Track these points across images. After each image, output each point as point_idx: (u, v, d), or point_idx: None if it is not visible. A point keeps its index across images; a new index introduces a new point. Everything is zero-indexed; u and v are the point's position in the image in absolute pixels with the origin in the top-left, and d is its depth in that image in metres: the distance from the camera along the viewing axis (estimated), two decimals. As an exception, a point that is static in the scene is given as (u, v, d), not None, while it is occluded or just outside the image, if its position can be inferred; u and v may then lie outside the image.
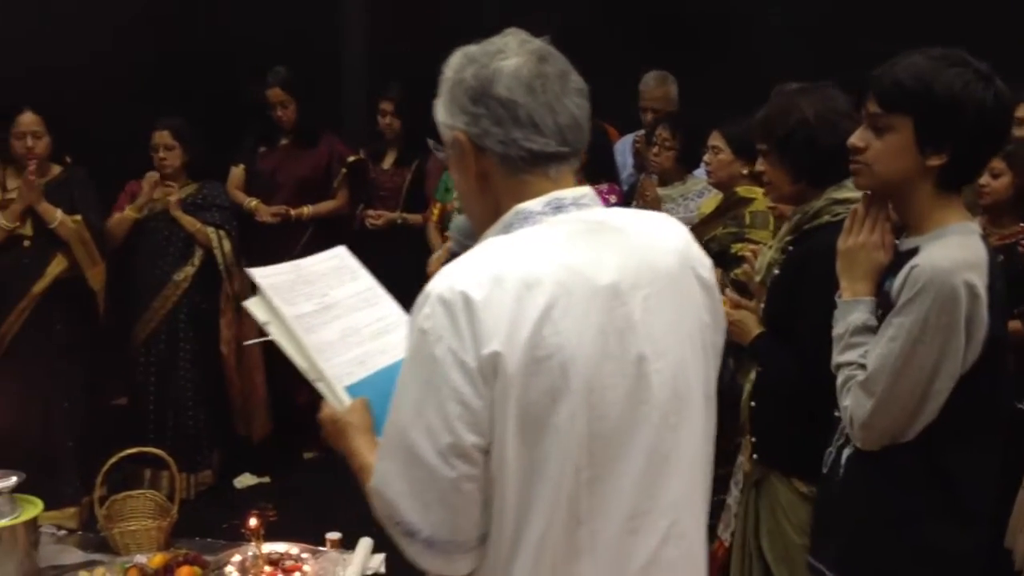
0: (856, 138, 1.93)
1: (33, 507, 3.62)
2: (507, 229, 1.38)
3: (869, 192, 2.00)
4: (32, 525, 3.58)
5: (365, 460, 1.46)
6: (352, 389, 1.58)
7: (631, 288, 1.35)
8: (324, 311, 1.66)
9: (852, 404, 1.90)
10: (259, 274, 1.67)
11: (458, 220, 2.00)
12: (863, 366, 1.89)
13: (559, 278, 1.30)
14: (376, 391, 1.52)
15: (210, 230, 4.42)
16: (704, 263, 1.48)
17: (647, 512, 1.36)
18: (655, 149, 3.92)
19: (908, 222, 1.96)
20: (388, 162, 5.02)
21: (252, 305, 1.65)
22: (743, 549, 2.46)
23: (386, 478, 1.34)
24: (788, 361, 2.30)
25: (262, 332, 1.66)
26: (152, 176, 4.39)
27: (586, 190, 1.43)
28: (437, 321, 1.28)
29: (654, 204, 3.83)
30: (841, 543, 1.99)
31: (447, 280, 1.30)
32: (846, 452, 1.98)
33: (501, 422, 1.27)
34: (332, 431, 1.55)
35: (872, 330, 1.92)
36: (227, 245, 4.44)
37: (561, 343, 1.28)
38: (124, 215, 4.39)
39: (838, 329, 1.97)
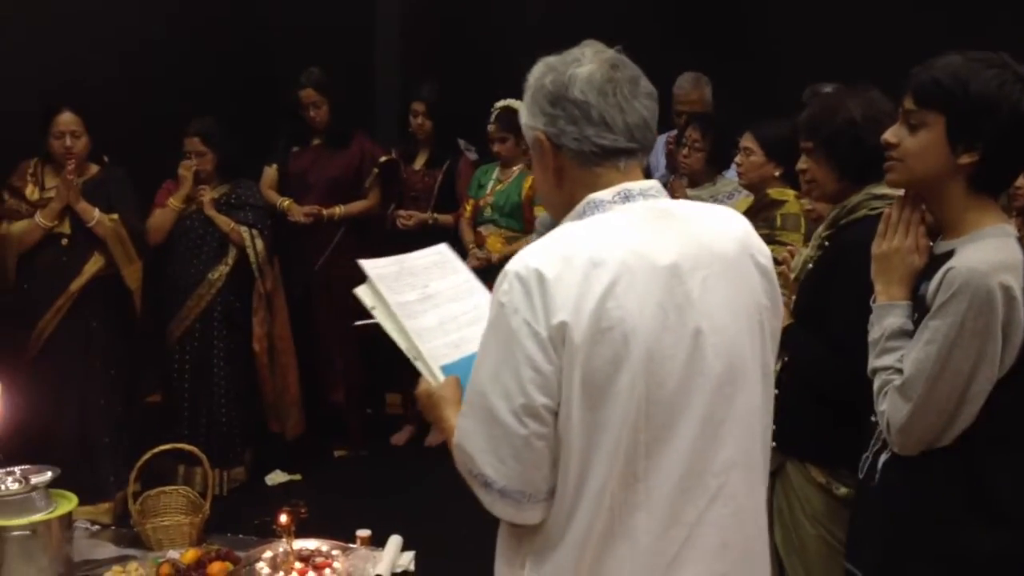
0: (890, 134, 1.94)
1: (68, 502, 3.66)
2: (580, 216, 1.54)
3: (904, 194, 1.99)
4: (67, 520, 3.62)
5: (449, 425, 1.61)
6: (447, 368, 1.75)
7: (691, 269, 1.49)
8: (425, 300, 1.84)
9: (889, 409, 1.89)
10: (368, 265, 1.85)
11: (543, 216, 2.23)
12: (899, 371, 1.88)
13: (623, 258, 1.44)
14: (468, 371, 1.64)
15: (243, 229, 4.46)
16: (764, 251, 1.61)
17: (700, 473, 1.49)
18: (685, 150, 3.91)
19: (943, 224, 1.95)
20: (419, 163, 5.05)
21: (361, 292, 1.84)
22: None
23: (466, 434, 1.50)
24: (817, 351, 2.31)
25: (368, 315, 1.85)
26: (187, 164, 4.43)
27: (653, 183, 1.59)
28: (514, 296, 1.44)
29: (684, 205, 3.82)
30: (877, 548, 1.99)
31: (523, 260, 1.46)
32: (883, 457, 1.97)
33: (568, 386, 1.42)
34: (427, 403, 1.71)
35: (908, 334, 1.91)
36: (260, 244, 4.48)
37: (623, 316, 1.42)
38: (168, 207, 4.44)
39: (874, 334, 1.97)
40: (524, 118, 1.60)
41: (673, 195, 3.82)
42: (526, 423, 1.43)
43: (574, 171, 1.55)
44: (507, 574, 1.59)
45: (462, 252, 4.63)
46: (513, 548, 1.57)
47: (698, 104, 4.58)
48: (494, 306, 1.48)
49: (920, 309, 1.90)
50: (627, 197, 1.54)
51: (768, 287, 1.59)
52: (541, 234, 2.08)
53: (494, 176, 4.67)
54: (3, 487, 3.52)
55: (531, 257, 1.46)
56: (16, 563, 3.45)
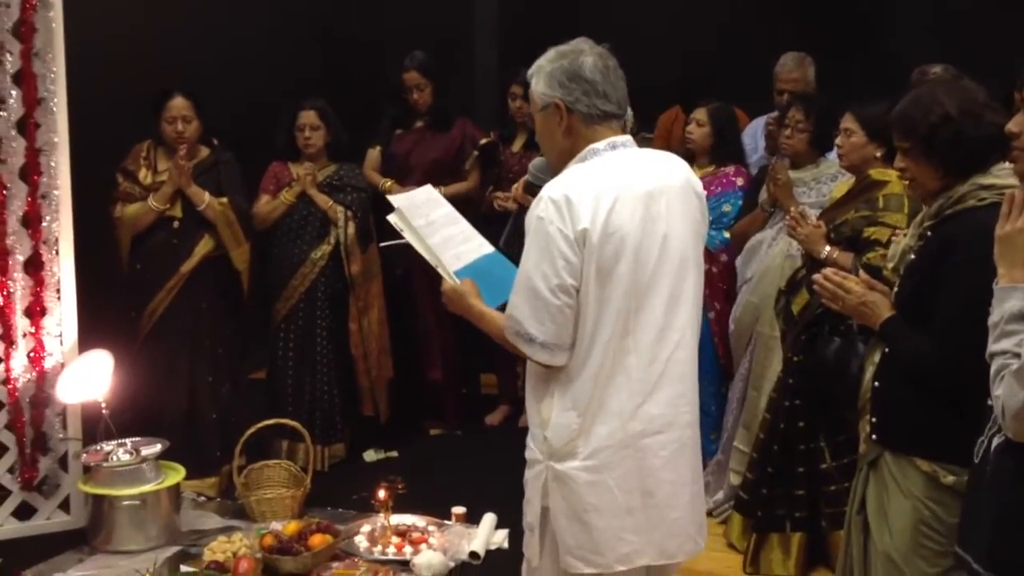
0: (1013, 123, 1.91)
1: (176, 474, 3.82)
2: (583, 160, 2.21)
3: None
4: (175, 491, 3.78)
5: (481, 309, 2.33)
6: (458, 273, 2.40)
7: (659, 194, 2.19)
8: (429, 225, 2.45)
9: (1004, 394, 1.82)
10: (396, 199, 2.46)
11: (537, 160, 2.70)
12: (1017, 355, 1.82)
13: (618, 187, 2.14)
14: (472, 273, 2.39)
15: (339, 210, 4.53)
16: (698, 183, 2.33)
17: (667, 328, 2.21)
18: (787, 131, 3.82)
19: None
20: (517, 145, 5.06)
21: (392, 218, 2.42)
22: (849, 525, 2.47)
23: (516, 307, 2.16)
24: (922, 343, 2.25)
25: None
26: (309, 166, 4.52)
27: (628, 137, 2.27)
28: (549, 212, 2.10)
29: (785, 188, 3.74)
30: (988, 534, 1.93)
31: (555, 189, 2.13)
32: (996, 441, 1.91)
33: (586, 272, 2.11)
34: (453, 297, 2.36)
35: None
36: (351, 227, 4.54)
37: (620, 225, 2.12)
38: (279, 200, 4.53)
39: (993, 317, 1.90)
40: (541, 88, 2.22)
41: (775, 177, 3.79)
42: (559, 296, 2.11)
43: (580, 129, 2.20)
44: (536, 406, 2.25)
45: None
46: (542, 386, 2.23)
47: (800, 84, 4.46)
48: (533, 220, 2.14)
49: None
50: (614, 147, 2.21)
51: (701, 206, 2.30)
52: (535, 175, 2.60)
53: None
54: (115, 458, 3.70)
55: (560, 187, 2.13)
56: (126, 531, 3.61)
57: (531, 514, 2.27)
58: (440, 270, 2.37)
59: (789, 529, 3.54)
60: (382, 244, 2.63)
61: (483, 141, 5.01)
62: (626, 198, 2.13)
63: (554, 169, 2.29)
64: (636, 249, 2.13)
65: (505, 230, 4.14)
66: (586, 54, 2.20)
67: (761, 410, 3.59)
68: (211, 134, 4.37)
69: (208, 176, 4.29)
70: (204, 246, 4.26)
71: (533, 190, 2.56)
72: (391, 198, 2.46)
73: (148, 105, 4.25)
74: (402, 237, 2.46)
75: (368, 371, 4.70)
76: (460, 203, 4.88)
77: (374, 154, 5.02)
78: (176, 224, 4.25)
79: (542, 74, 2.22)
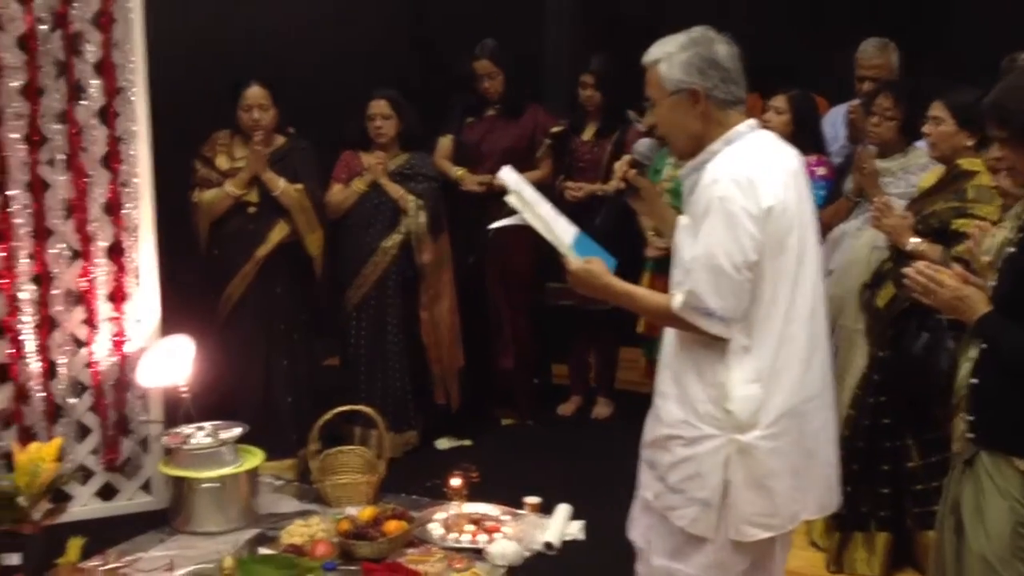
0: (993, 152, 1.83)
1: (254, 457, 3.88)
2: (730, 142, 2.30)
3: None
4: (253, 474, 3.84)
5: (626, 287, 2.37)
6: (573, 248, 2.40)
7: (798, 171, 2.35)
8: (526, 204, 2.41)
9: None
10: (506, 175, 2.44)
11: (645, 141, 2.77)
12: None
13: (778, 164, 2.29)
14: (581, 252, 2.40)
15: (410, 199, 4.54)
16: (802, 161, 2.44)
17: (817, 297, 2.34)
18: (874, 119, 3.72)
19: None
20: (588, 134, 5.02)
21: (509, 200, 2.40)
22: (941, 526, 2.42)
23: (698, 282, 2.21)
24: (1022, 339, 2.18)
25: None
26: (380, 155, 4.55)
27: (756, 120, 2.39)
28: (733, 191, 2.20)
29: (871, 177, 3.65)
30: None
31: (732, 170, 2.23)
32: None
33: (765, 246, 2.21)
34: (585, 276, 2.37)
35: None
36: (422, 216, 4.55)
37: (787, 201, 2.25)
38: (353, 188, 4.55)
39: None
40: (677, 74, 2.28)
41: (861, 166, 3.71)
42: (742, 272, 2.20)
43: (714, 114, 2.29)
44: (699, 382, 2.28)
45: (628, 224, 4.57)
46: (711, 361, 2.27)
47: (883, 71, 4.35)
48: (714, 201, 2.21)
49: None
50: (752, 128, 2.33)
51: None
52: (642, 155, 2.74)
53: (671, 160, 4.55)
54: (195, 441, 3.77)
55: (736, 168, 2.23)
56: (206, 513, 3.68)
57: (706, 489, 2.28)
58: (562, 249, 2.40)
59: (874, 528, 3.46)
60: (492, 225, 2.55)
61: (555, 129, 4.98)
62: (788, 175, 2.28)
63: (680, 153, 2.41)
64: (800, 223, 2.27)
65: (602, 211, 4.09)
66: (718, 41, 2.30)
67: (844, 406, 3.52)
68: (287, 123, 4.41)
69: (284, 164, 4.33)
70: (279, 232, 4.30)
71: (640, 168, 2.58)
72: (502, 173, 2.45)
73: (226, 94, 4.30)
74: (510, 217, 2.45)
75: (439, 360, 4.70)
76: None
77: (445, 143, 5.02)
78: (252, 210, 4.29)
79: (674, 61, 2.29)
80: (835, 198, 3.88)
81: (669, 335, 2.40)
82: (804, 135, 4.00)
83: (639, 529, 2.49)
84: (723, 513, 2.28)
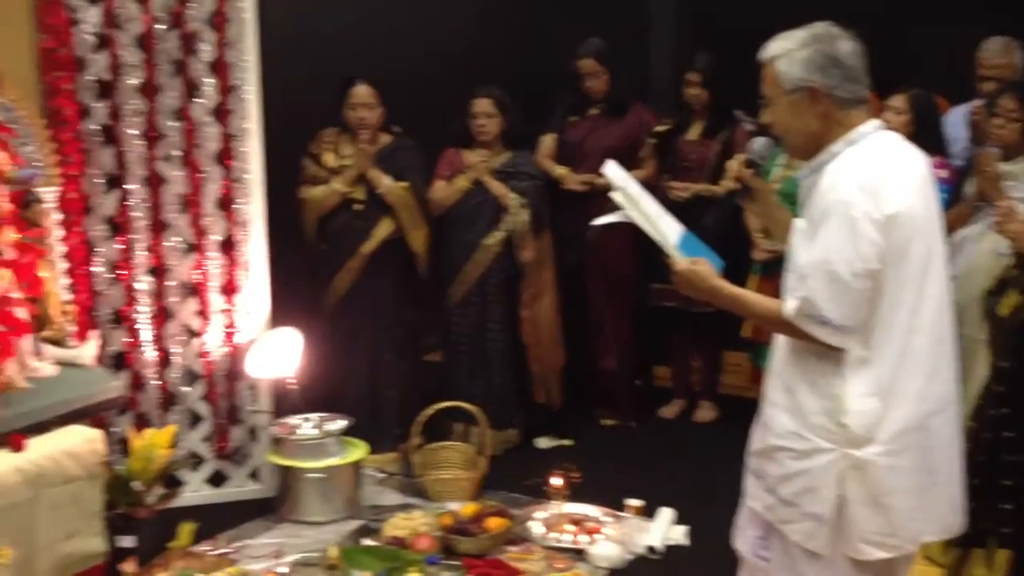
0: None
1: (359, 449, 3.93)
2: (852, 143, 2.20)
3: None
4: (357, 466, 3.89)
5: (735, 290, 2.30)
6: (679, 248, 2.33)
7: (926, 175, 2.24)
8: (631, 201, 2.34)
9: None
10: (610, 170, 2.38)
11: (761, 140, 2.52)
12: None
13: (904, 167, 2.19)
14: (688, 252, 2.32)
15: (513, 197, 4.55)
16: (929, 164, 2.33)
17: (943, 306, 2.24)
18: (998, 120, 3.58)
19: None
20: (694, 133, 4.95)
21: (615, 196, 2.34)
22: None
23: (814, 290, 2.12)
24: None
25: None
26: (482, 152, 4.56)
27: (880, 120, 2.28)
28: (855, 196, 2.10)
29: (992, 180, 3.51)
30: None
31: (854, 173, 2.13)
32: None
33: (887, 254, 2.11)
34: (692, 277, 2.29)
35: None
36: (524, 215, 4.54)
37: (913, 204, 2.15)
38: (456, 186, 4.58)
39: None
40: (796, 72, 2.19)
41: (983, 168, 3.57)
42: (861, 280, 2.09)
43: (835, 114, 2.19)
44: (813, 394, 2.19)
45: (734, 226, 4.50)
46: (825, 372, 2.18)
47: (1007, 71, 4.18)
48: (835, 204, 2.11)
49: None
50: (877, 128, 2.22)
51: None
52: (757, 153, 2.46)
53: (780, 161, 4.45)
54: (301, 432, 3.83)
55: (858, 170, 2.13)
56: (311, 503, 3.75)
57: (820, 504, 2.19)
58: (664, 245, 2.33)
59: (994, 545, 3.33)
60: (596, 220, 2.49)
61: (659, 128, 4.93)
62: (914, 179, 2.19)
63: (796, 153, 2.32)
64: (923, 229, 2.17)
65: (711, 211, 4.01)
66: (841, 38, 2.20)
67: (966, 418, 3.39)
68: (393, 121, 4.46)
69: (389, 161, 4.38)
70: (384, 228, 4.36)
71: (755, 168, 2.49)
72: (607, 168, 2.39)
73: (334, 93, 4.37)
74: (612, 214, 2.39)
75: (540, 358, 4.70)
76: (636, 191, 4.84)
77: (548, 141, 5.01)
78: (358, 207, 4.35)
79: (794, 57, 2.20)
80: (956, 202, 3.75)
81: (780, 342, 2.31)
82: (924, 136, 3.86)
83: (745, 539, 2.41)
84: (839, 529, 2.19)
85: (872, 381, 2.15)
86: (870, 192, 2.09)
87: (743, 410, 2.56)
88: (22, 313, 3.08)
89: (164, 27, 3.74)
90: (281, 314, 4.04)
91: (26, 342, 3.12)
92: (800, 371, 2.22)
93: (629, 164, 4.80)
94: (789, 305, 2.16)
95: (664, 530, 3.60)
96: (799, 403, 2.21)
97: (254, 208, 3.95)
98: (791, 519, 2.24)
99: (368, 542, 3.51)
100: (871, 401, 2.15)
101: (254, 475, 4.07)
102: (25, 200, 3.24)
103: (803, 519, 2.22)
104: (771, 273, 4.31)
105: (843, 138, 2.20)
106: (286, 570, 3.32)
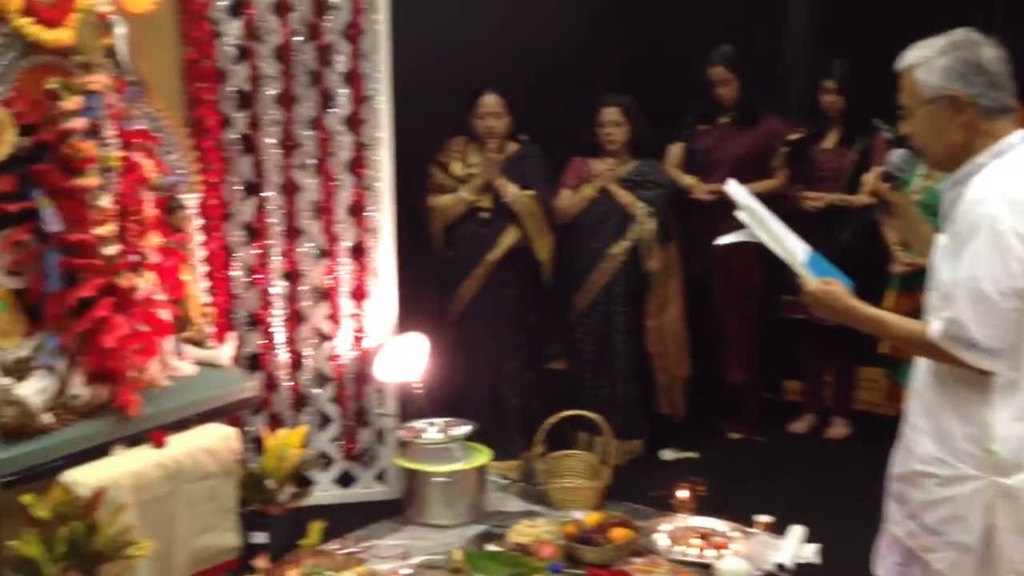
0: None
1: (483, 455, 3.95)
2: (997, 155, 2.09)
3: None
4: (481, 471, 3.91)
5: (874, 312, 2.21)
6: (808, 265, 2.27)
7: None
8: (757, 220, 2.30)
9: None
10: (733, 188, 2.36)
11: (898, 152, 2.44)
12: None
13: None
14: (815, 270, 2.25)
15: (640, 206, 4.51)
16: None
17: None
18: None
19: None
20: (830, 142, 4.82)
21: (740, 215, 2.30)
22: None
23: (960, 311, 2.02)
24: None
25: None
26: (612, 162, 4.55)
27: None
28: (1001, 211, 2.00)
29: None
30: None
31: (1001, 186, 2.03)
32: None
33: None
34: (825, 298, 2.21)
35: None
36: (651, 224, 4.50)
37: None
38: (582, 195, 4.57)
39: None
40: (934, 81, 2.10)
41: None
42: (1009, 299, 1.99)
43: (979, 124, 2.09)
44: (958, 419, 2.09)
45: (870, 237, 4.36)
46: (971, 397, 2.07)
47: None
48: (981, 219, 2.01)
49: None
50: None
51: None
52: (895, 165, 2.40)
53: (921, 171, 4.27)
54: (427, 436, 3.88)
55: (1006, 183, 2.03)
56: (437, 506, 3.78)
57: (968, 534, 2.10)
58: (796, 267, 2.27)
59: None
60: (720, 240, 2.45)
61: (793, 136, 4.82)
62: None
63: (938, 164, 2.22)
64: None
65: (847, 226, 3.91)
66: (984, 45, 2.12)
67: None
68: (520, 130, 4.48)
69: (516, 170, 4.42)
70: (510, 237, 4.39)
71: (894, 182, 2.41)
72: (730, 187, 2.37)
73: (463, 102, 4.43)
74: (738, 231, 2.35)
75: (665, 368, 4.65)
76: (767, 202, 4.70)
77: (676, 150, 4.95)
78: (485, 215, 4.40)
79: (933, 66, 2.12)
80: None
81: (921, 364, 2.21)
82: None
83: (886, 565, 2.31)
84: (986, 560, 2.09)
85: (1021, 406, 2.05)
86: (1018, 206, 2.00)
87: (878, 428, 2.48)
88: (165, 314, 3.21)
89: (301, 39, 3.86)
90: (408, 320, 4.11)
91: (168, 342, 3.25)
92: (943, 395, 2.13)
93: (759, 174, 4.74)
94: (934, 327, 2.06)
95: (795, 547, 3.50)
96: (943, 428, 2.12)
97: (384, 215, 4.03)
98: (935, 548, 2.14)
99: (492, 547, 3.52)
100: (1020, 426, 2.05)
101: (381, 477, 4.14)
102: (169, 206, 3.38)
103: (948, 548, 2.12)
104: (909, 287, 4.16)
105: (989, 149, 2.10)
106: (411, 571, 3.36)
